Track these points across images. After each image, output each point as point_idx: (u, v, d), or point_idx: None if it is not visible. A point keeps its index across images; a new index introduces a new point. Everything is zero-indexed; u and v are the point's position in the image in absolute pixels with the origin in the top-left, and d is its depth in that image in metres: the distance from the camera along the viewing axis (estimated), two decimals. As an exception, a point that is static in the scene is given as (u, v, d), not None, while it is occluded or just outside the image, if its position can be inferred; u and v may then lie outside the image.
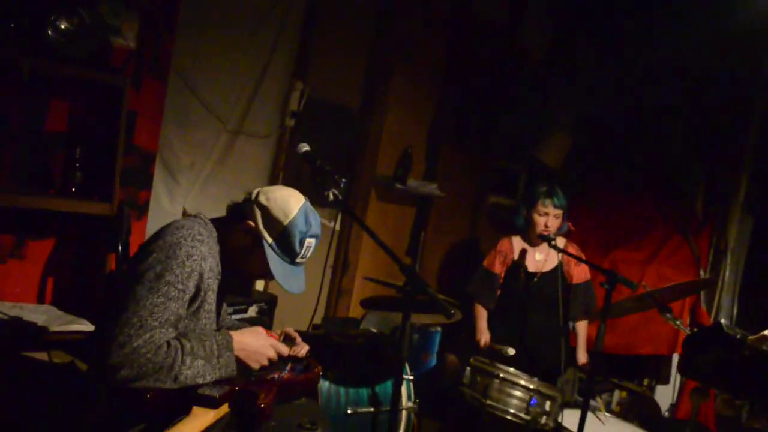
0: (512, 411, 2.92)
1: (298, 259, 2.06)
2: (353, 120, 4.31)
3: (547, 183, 3.66)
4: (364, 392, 3.06)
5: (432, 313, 2.91)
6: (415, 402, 3.15)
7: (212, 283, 1.99)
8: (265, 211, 2.01)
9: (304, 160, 2.35)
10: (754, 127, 4.25)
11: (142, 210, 3.37)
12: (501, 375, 2.94)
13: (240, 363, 1.97)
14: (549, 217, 3.55)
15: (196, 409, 1.79)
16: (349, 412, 2.96)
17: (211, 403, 1.80)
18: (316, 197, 2.19)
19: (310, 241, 2.06)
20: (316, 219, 2.09)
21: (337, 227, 4.29)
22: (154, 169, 3.39)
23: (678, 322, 2.91)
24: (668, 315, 2.92)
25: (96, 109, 3.05)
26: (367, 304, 3.04)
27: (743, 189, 4.26)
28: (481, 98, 4.79)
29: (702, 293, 4.34)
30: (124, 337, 1.75)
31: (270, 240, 2.01)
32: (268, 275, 2.03)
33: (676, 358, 4.56)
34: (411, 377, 3.04)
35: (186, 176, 3.59)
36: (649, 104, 4.57)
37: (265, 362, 2.04)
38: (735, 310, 4.51)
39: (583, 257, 3.59)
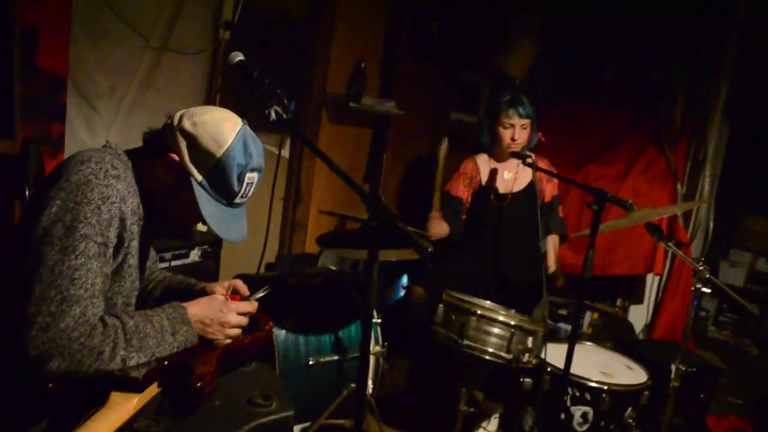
0: (491, 350, 2.64)
1: (238, 200, 1.65)
2: (298, 31, 3.80)
3: (510, 91, 3.27)
4: (327, 339, 2.75)
5: (402, 248, 2.56)
6: (383, 346, 2.86)
7: (135, 230, 1.59)
8: (192, 141, 1.58)
9: (239, 73, 1.92)
10: (735, 28, 3.91)
11: (57, 146, 2.89)
12: (478, 312, 2.64)
13: (200, 339, 1.62)
14: (515, 128, 3.20)
15: (114, 396, 1.41)
16: (310, 362, 2.66)
17: (134, 386, 1.43)
18: (257, 120, 1.76)
19: (252, 176, 1.64)
20: (257, 147, 1.67)
21: (286, 154, 3.87)
22: (66, 96, 2.89)
23: (671, 243, 2.63)
24: (658, 235, 2.64)
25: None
26: (325, 241, 2.66)
27: (723, 95, 3.96)
28: (442, 4, 4.30)
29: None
30: (44, 317, 1.36)
31: (200, 177, 1.59)
32: (199, 220, 1.63)
33: (650, 277, 4.38)
34: (379, 320, 2.72)
35: (106, 104, 3.09)
36: (623, 6, 4.18)
37: (232, 332, 1.69)
38: (711, 224, 4.31)
39: (555, 172, 3.29)
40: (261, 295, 1.83)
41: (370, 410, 2.71)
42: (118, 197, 1.49)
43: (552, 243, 3.47)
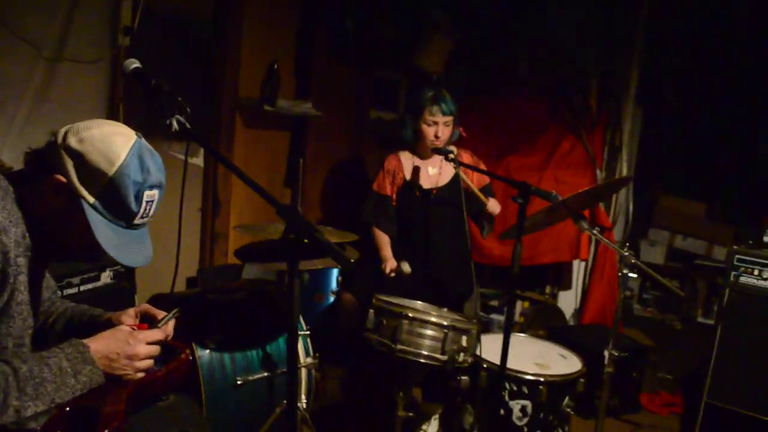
0: (426, 353, 2.56)
1: (137, 220, 1.49)
2: (204, 34, 3.62)
3: (432, 88, 3.22)
4: (254, 355, 2.62)
5: (325, 257, 2.45)
6: (314, 357, 2.75)
7: (22, 262, 1.41)
8: (80, 159, 1.42)
9: (135, 81, 1.78)
10: (644, 15, 3.99)
11: (-59, 167, 2.62)
12: (410, 314, 2.56)
13: (108, 377, 1.47)
14: (438, 125, 3.14)
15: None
16: (239, 381, 2.52)
17: (30, 441, 1.28)
18: (163, 129, 1.61)
19: (152, 194, 1.49)
20: (156, 161, 1.52)
21: (200, 162, 3.69)
22: (-50, 113, 2.64)
23: (595, 231, 2.64)
24: (583, 224, 2.63)
25: None
26: (244, 255, 2.53)
27: (634, 82, 4.05)
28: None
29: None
30: None
31: (91, 199, 1.43)
32: (95, 245, 1.45)
33: (577, 262, 4.44)
34: (307, 332, 2.61)
35: (-4, 119, 2.85)
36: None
37: (142, 365, 1.53)
38: (631, 207, 4.40)
39: (481, 165, 3.26)
40: (170, 317, 1.69)
41: (305, 425, 2.60)
42: None
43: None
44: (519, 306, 4.57)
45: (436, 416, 3.08)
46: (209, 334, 2.54)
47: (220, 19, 3.61)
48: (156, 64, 3.30)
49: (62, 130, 1.46)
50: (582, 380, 2.84)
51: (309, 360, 2.70)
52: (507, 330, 2.53)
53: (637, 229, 5.29)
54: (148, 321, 1.71)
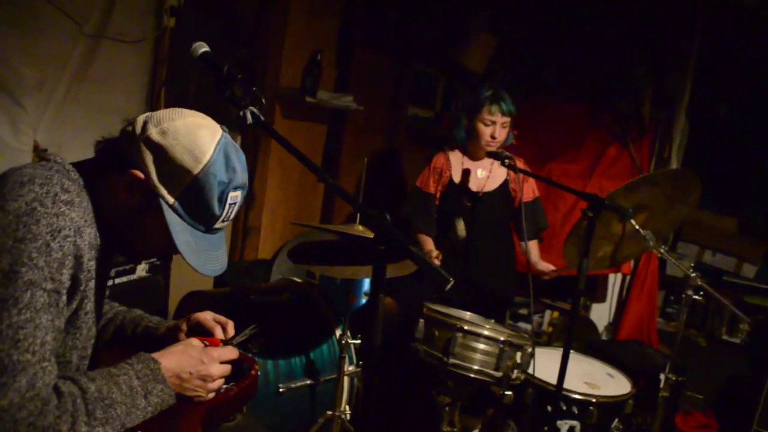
0: (479, 368, 2.45)
1: (218, 224, 1.35)
2: (248, 20, 3.47)
3: (492, 87, 3.09)
4: (297, 362, 2.50)
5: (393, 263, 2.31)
6: (357, 365, 2.62)
7: (92, 267, 1.27)
8: (162, 154, 1.27)
9: (204, 67, 1.64)
10: (698, 26, 3.86)
11: (-24, 152, 2.49)
12: (465, 327, 2.43)
13: (178, 397, 1.33)
14: (496, 126, 3.01)
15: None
16: (281, 389, 2.40)
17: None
18: (221, 120, 1.45)
19: (235, 195, 1.34)
20: (241, 159, 1.37)
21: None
22: (-15, 91, 2.50)
23: (662, 249, 2.51)
24: (651, 241, 2.50)
25: None
26: (298, 256, 2.39)
27: (688, 92, 3.92)
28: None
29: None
30: None
31: (171, 200, 1.28)
32: (171, 250, 1.31)
33: (612, 275, 4.32)
34: (357, 341, 2.48)
35: (34, 99, 2.69)
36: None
37: (215, 385, 1.39)
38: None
39: (532, 172, 3.13)
40: (246, 335, 1.55)
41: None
42: (72, 229, 1.19)
43: (534, 250, 3.28)
44: (548, 315, 4.45)
45: (476, 430, 2.97)
46: (252, 338, 2.41)
47: (266, 5, 3.46)
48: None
49: (140, 119, 1.32)
50: (631, 402, 2.73)
51: (352, 368, 2.58)
52: (566, 350, 2.41)
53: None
54: (205, 333, 1.56)
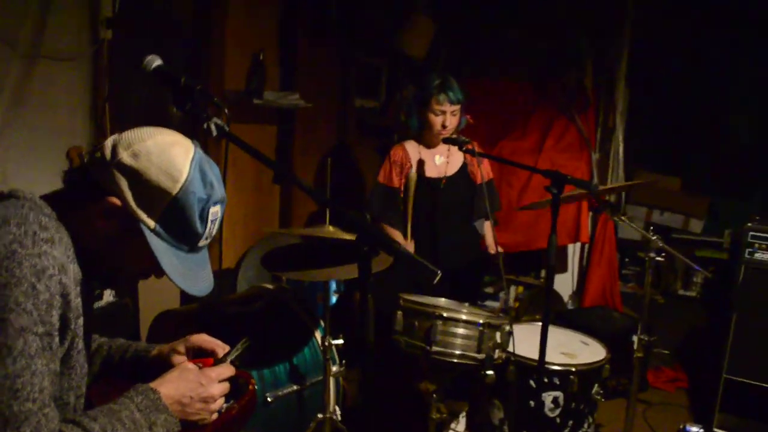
0: (461, 353, 2.47)
1: (201, 242, 1.31)
2: (186, 25, 3.38)
3: (439, 75, 3.11)
4: (282, 369, 2.47)
5: (340, 265, 2.30)
6: (341, 365, 2.61)
7: (79, 304, 1.22)
8: (137, 178, 1.21)
9: (159, 81, 1.58)
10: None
11: None
12: (444, 314, 2.45)
13: (182, 423, 1.30)
14: (446, 115, 3.04)
15: None
16: (269, 399, 2.36)
17: None
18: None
19: (215, 211, 1.30)
20: (216, 173, 1.32)
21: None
22: None
23: (624, 217, 2.59)
24: (611, 211, 2.58)
25: None
26: (272, 263, 2.35)
27: (625, 61, 4.03)
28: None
29: (594, 174, 4.16)
30: None
31: (152, 223, 1.23)
32: (155, 273, 1.28)
33: (571, 246, 4.42)
34: (340, 341, 2.46)
35: (-29, 126, 2.57)
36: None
37: (217, 405, 1.36)
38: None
39: (489, 154, 3.18)
40: (238, 350, 1.52)
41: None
42: (56, 268, 1.13)
43: (488, 227, 3.36)
44: (513, 291, 4.53)
45: (463, 414, 3.00)
46: (232, 352, 2.37)
47: (203, 7, 3.37)
48: (139, 57, 3.08)
49: (108, 143, 1.25)
50: (607, 366, 2.81)
51: (336, 369, 2.56)
52: (545, 324, 2.45)
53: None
54: (205, 355, 1.53)
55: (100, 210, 1.23)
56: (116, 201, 1.22)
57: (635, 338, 2.77)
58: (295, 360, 2.50)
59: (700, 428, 2.95)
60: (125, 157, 1.22)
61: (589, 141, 4.18)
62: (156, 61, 1.63)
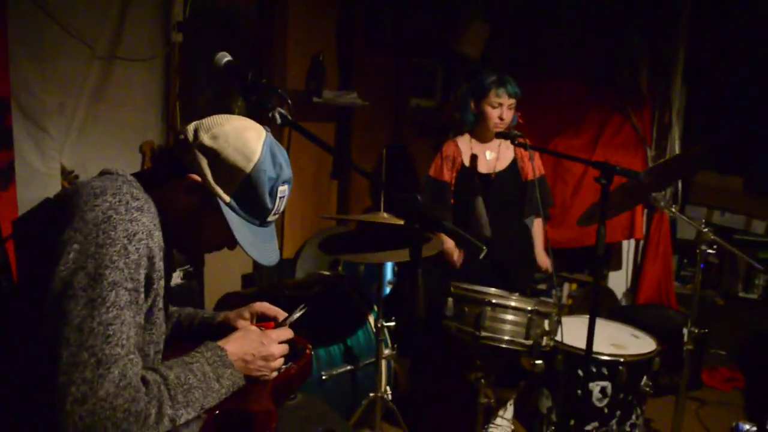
0: (510, 338, 2.54)
1: (270, 217, 1.46)
2: (249, 28, 3.57)
3: (495, 71, 3.20)
4: (336, 350, 2.61)
5: (394, 249, 2.41)
6: (393, 348, 2.73)
7: (161, 267, 1.36)
8: (215, 157, 1.36)
9: (229, 76, 1.73)
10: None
11: (7, 176, 2.58)
12: (493, 300, 2.53)
13: (246, 379, 1.43)
14: (503, 108, 3.12)
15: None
16: (324, 376, 2.50)
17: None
18: None
19: (283, 189, 1.44)
20: (284, 155, 1.47)
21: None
22: (11, 120, 2.59)
23: (673, 209, 2.61)
24: (661, 202, 2.60)
25: None
26: (329, 247, 2.49)
27: (681, 59, 4.01)
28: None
29: (648, 171, 4.14)
30: (78, 386, 1.14)
31: (227, 198, 1.38)
32: (229, 244, 1.44)
33: (625, 242, 4.41)
34: (392, 323, 2.58)
35: (56, 123, 2.80)
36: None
37: (277, 364, 1.50)
38: (680, 185, 4.37)
39: (540, 147, 3.23)
40: (298, 315, 1.66)
41: (394, 418, 2.58)
42: (144, 233, 1.28)
43: (538, 227, 3.40)
44: (566, 288, 4.54)
45: (511, 401, 3.07)
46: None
47: (265, 13, 3.56)
48: (207, 59, 3.27)
49: (190, 128, 1.42)
50: (657, 359, 2.82)
51: (388, 351, 2.68)
52: (593, 312, 2.50)
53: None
54: (266, 320, 1.67)
55: (182, 186, 1.38)
56: (197, 178, 1.37)
57: (685, 330, 2.78)
58: (350, 342, 2.63)
59: (753, 426, 2.92)
60: (206, 138, 1.38)
61: (645, 138, 4.16)
62: (226, 58, 1.79)
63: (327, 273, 2.91)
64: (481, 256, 1.51)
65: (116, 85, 2.99)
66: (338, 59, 4.01)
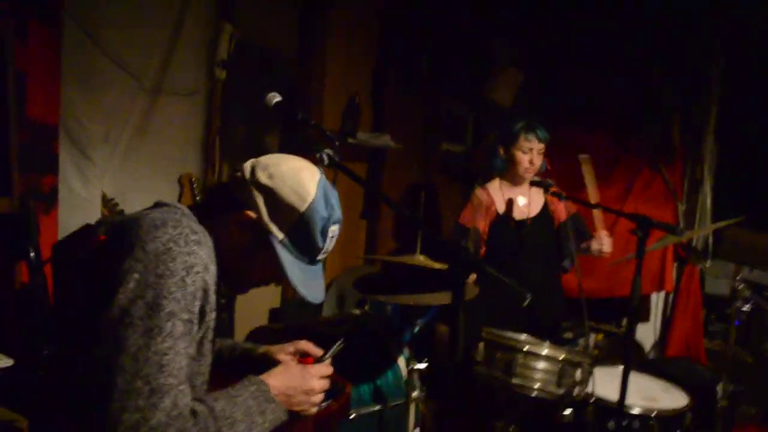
0: (540, 386, 2.51)
1: (320, 256, 1.49)
2: (290, 67, 3.66)
3: (523, 118, 3.24)
4: (366, 389, 2.57)
5: (440, 290, 2.41)
6: (422, 390, 2.69)
7: (214, 300, 1.39)
8: (271, 196, 1.41)
9: (278, 115, 1.78)
10: (719, 50, 3.99)
11: (50, 200, 2.66)
12: (525, 348, 2.51)
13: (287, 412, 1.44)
14: (533, 153, 3.16)
15: None
16: (351, 416, 2.46)
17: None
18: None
19: (334, 229, 1.48)
20: (335, 196, 1.51)
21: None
22: (57, 146, 2.67)
23: (707, 264, 2.59)
24: (698, 259, 2.59)
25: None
26: (365, 287, 2.50)
27: (714, 115, 4.05)
28: (430, 36, 4.25)
29: (681, 225, 4.12)
30: (131, 413, 1.15)
31: (281, 236, 1.41)
32: (277, 280, 1.49)
33: (654, 296, 4.36)
34: (424, 365, 2.56)
35: (100, 152, 2.88)
36: (604, 30, 4.21)
37: (317, 399, 1.51)
38: (711, 239, 4.34)
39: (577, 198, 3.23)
40: (335, 351, 1.66)
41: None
42: (201, 266, 1.30)
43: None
44: (592, 338, 4.48)
45: (538, 451, 3.01)
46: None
47: (305, 52, 3.65)
48: (247, 97, 3.35)
49: (248, 166, 1.46)
50: (689, 415, 2.77)
51: (417, 393, 2.65)
52: (627, 365, 2.47)
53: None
54: (306, 356, 1.69)
55: (236, 221, 1.42)
56: (252, 214, 1.41)
57: (719, 387, 2.73)
58: (378, 382, 2.60)
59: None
60: (263, 177, 1.42)
61: (676, 192, 4.16)
62: (276, 98, 1.85)
63: (356, 311, 2.90)
64: (525, 304, 1.51)
65: (159, 117, 3.08)
66: (372, 101, 4.08)
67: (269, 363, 1.64)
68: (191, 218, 1.39)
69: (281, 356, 1.67)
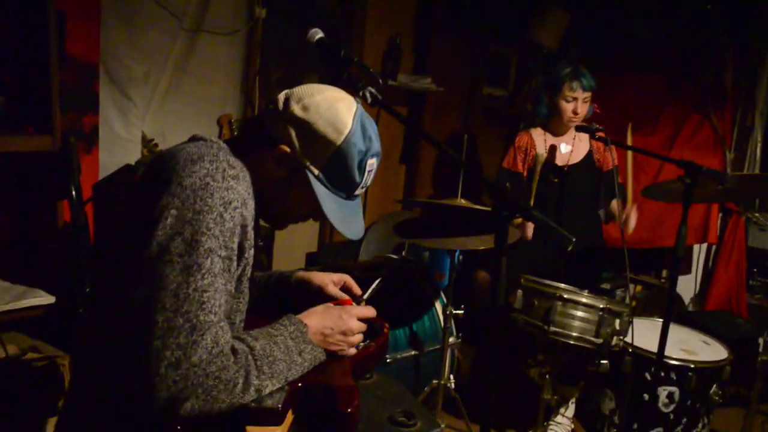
0: (579, 335, 2.50)
1: (358, 191, 1.43)
2: (331, 7, 3.57)
3: (570, 63, 3.11)
4: (401, 334, 2.60)
5: (481, 234, 2.39)
6: (458, 337, 2.71)
7: (253, 236, 1.36)
8: (305, 129, 1.34)
9: (320, 52, 1.71)
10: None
11: (91, 140, 2.67)
12: (564, 296, 2.49)
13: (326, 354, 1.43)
14: (578, 102, 3.04)
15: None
16: (388, 359, 2.50)
17: (273, 419, 1.23)
18: None
19: (372, 163, 1.41)
20: (374, 128, 1.43)
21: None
22: (98, 85, 2.66)
23: (757, 215, 2.50)
24: (743, 206, 2.50)
25: (9, 12, 2.26)
26: (404, 231, 2.48)
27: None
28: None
29: (729, 172, 3.98)
30: (172, 351, 1.14)
31: (316, 171, 1.36)
32: (315, 217, 1.43)
33: (696, 246, 4.27)
34: (461, 311, 2.56)
35: (140, 91, 2.87)
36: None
37: (355, 339, 1.48)
38: (759, 191, 4.19)
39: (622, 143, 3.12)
40: (374, 290, 1.65)
41: (456, 407, 2.57)
42: (239, 201, 1.26)
43: (614, 204, 3.29)
44: (631, 289, 4.43)
45: (573, 400, 3.01)
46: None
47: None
48: (287, 37, 3.29)
49: (281, 97, 1.39)
50: (728, 368, 2.73)
51: (453, 339, 2.66)
52: (667, 315, 2.42)
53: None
54: (345, 292, 1.67)
55: (271, 156, 1.36)
56: (286, 149, 1.35)
57: (761, 340, 2.68)
58: (415, 327, 2.62)
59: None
60: (297, 109, 1.35)
61: (724, 140, 4.01)
62: (318, 34, 1.77)
63: (395, 257, 2.90)
64: (570, 248, 1.46)
65: (199, 57, 3.05)
66: (414, 43, 3.98)
67: (306, 289, 1.65)
68: (228, 153, 1.33)
69: (324, 280, 1.66)
